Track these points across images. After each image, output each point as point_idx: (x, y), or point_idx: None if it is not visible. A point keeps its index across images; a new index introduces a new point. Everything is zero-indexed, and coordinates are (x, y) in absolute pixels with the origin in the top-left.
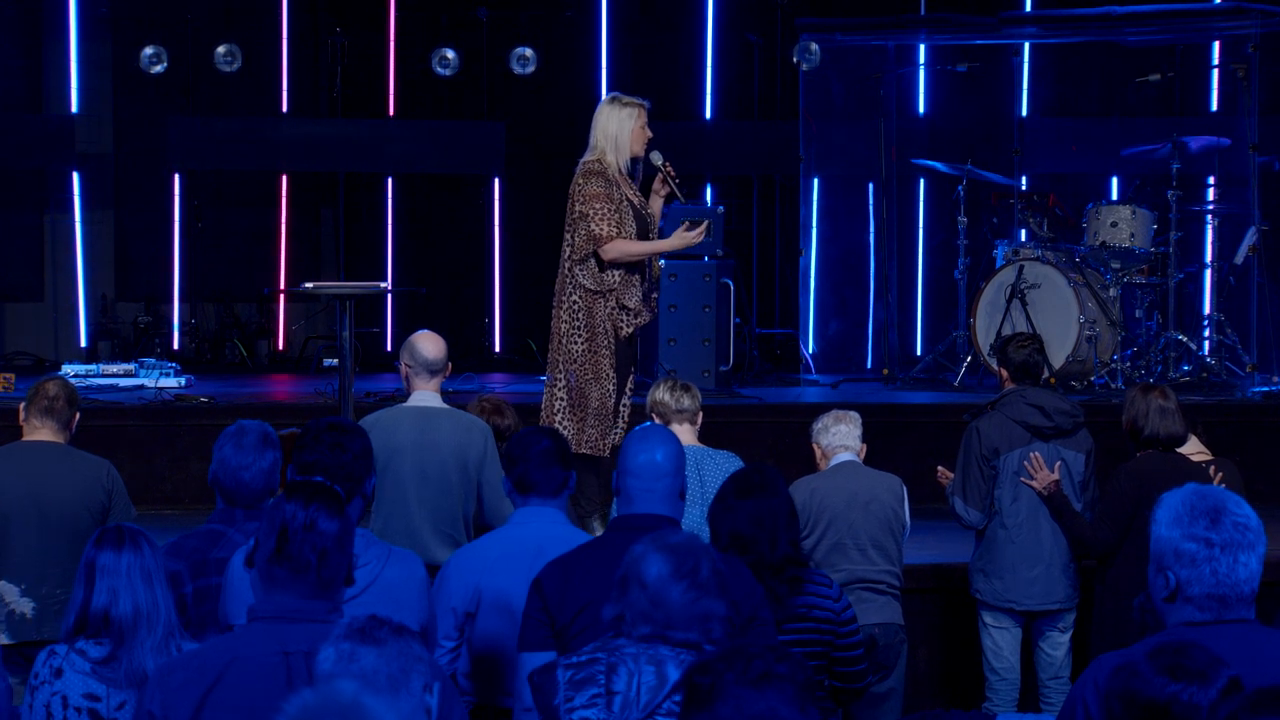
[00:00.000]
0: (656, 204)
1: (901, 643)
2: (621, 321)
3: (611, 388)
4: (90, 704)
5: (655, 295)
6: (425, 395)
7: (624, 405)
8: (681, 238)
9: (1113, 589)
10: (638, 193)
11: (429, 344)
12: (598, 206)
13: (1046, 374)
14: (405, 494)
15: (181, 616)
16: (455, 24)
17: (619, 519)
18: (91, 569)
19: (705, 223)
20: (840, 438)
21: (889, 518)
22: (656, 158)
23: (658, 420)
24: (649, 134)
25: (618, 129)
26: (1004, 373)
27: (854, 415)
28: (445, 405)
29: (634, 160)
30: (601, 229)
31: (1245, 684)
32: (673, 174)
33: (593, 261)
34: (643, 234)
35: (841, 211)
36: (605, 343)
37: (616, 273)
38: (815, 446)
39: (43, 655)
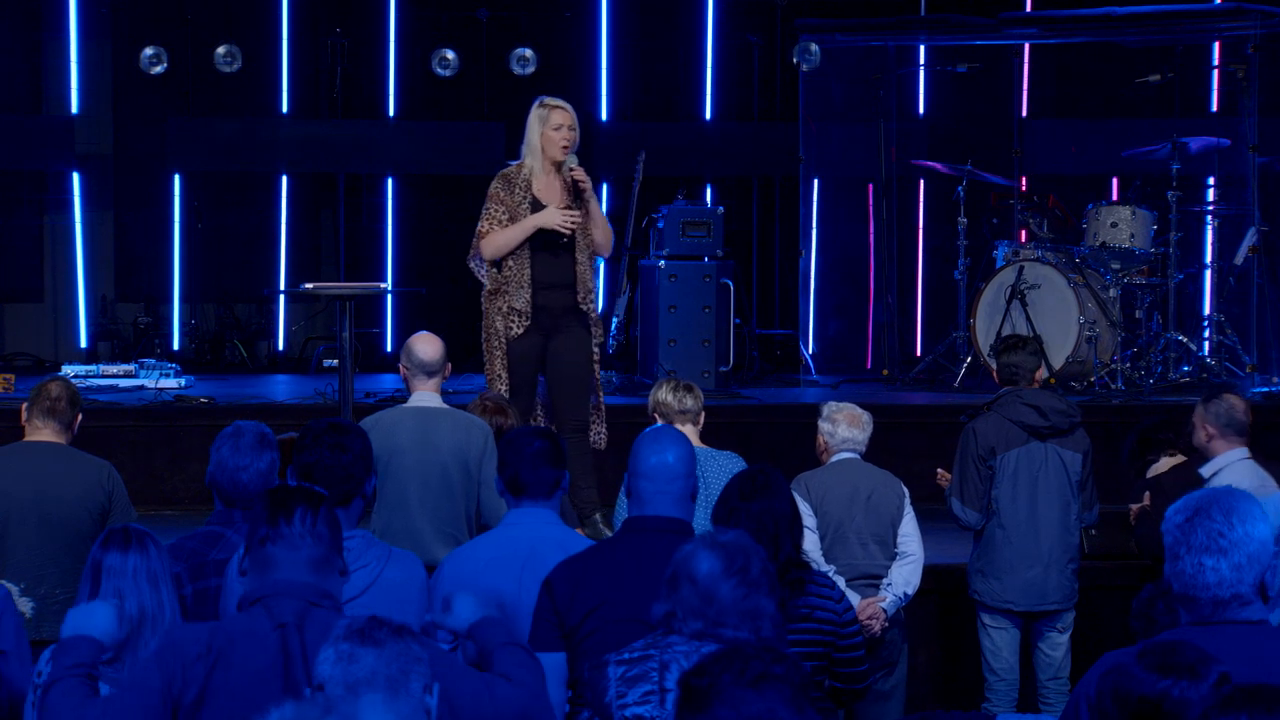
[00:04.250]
0: (594, 209)
1: (903, 639)
2: (512, 323)
3: (504, 389)
4: None
5: (587, 306)
6: (425, 396)
7: (535, 415)
8: (545, 215)
9: None
10: (566, 199)
11: (425, 345)
12: (488, 206)
13: (1046, 374)
14: (406, 494)
15: (181, 619)
16: (455, 25)
17: (631, 520)
18: (98, 570)
19: (572, 211)
20: (849, 444)
21: (890, 513)
22: (571, 161)
23: (660, 420)
24: (566, 136)
25: (529, 132)
26: (998, 374)
27: (867, 419)
28: (445, 405)
29: (558, 164)
30: (481, 226)
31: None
32: (580, 180)
33: (489, 263)
34: (544, 239)
35: (841, 212)
36: (497, 344)
37: (503, 272)
38: (821, 437)
39: (46, 654)
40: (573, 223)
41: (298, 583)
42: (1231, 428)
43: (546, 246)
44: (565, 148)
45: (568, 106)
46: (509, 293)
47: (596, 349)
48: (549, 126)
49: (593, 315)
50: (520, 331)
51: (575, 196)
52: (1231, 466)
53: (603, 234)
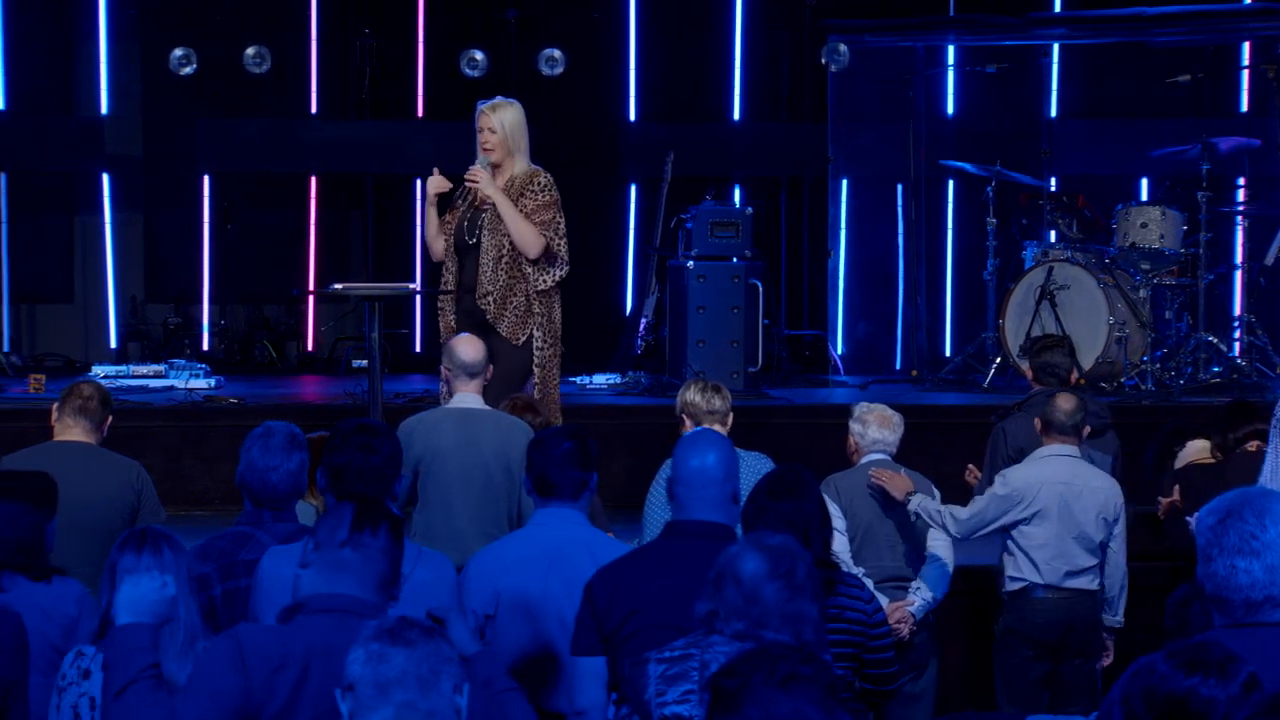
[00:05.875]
0: (503, 209)
1: (933, 642)
2: (450, 331)
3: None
4: None
5: (485, 305)
6: (466, 397)
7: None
8: (429, 195)
9: None
10: (501, 197)
11: (466, 347)
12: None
13: (1076, 375)
14: (449, 495)
15: (210, 619)
16: (483, 25)
17: (671, 524)
18: (113, 572)
19: (445, 183)
20: (880, 446)
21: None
22: (480, 162)
23: (689, 421)
24: (486, 138)
25: None
26: (1032, 374)
27: (898, 420)
28: (486, 407)
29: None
30: None
31: (1264, 685)
32: (467, 181)
33: None
34: (459, 238)
35: (870, 213)
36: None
37: (444, 280)
38: (851, 438)
39: (70, 657)
40: (442, 182)
41: (368, 602)
42: (1052, 426)
43: (467, 252)
44: (485, 149)
45: (489, 109)
46: (442, 301)
47: (537, 347)
48: (477, 130)
49: (503, 314)
50: (449, 334)
51: (518, 195)
52: (1044, 459)
53: (518, 234)
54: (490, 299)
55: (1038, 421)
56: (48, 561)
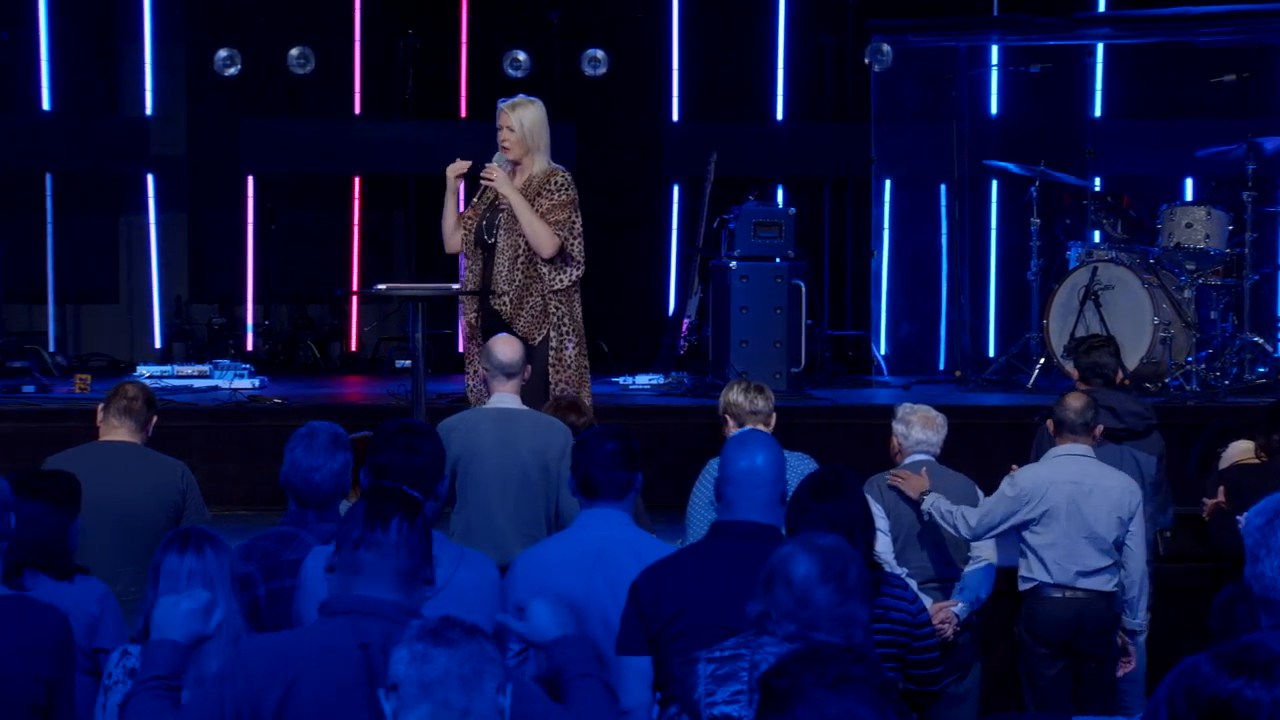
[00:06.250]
0: (517, 207)
1: (976, 642)
2: (476, 333)
3: (472, 384)
4: None
5: (499, 306)
6: (504, 397)
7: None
8: (449, 181)
9: None
10: (517, 196)
11: (503, 347)
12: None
13: (1121, 376)
14: (487, 495)
15: (255, 619)
16: (526, 26)
17: (718, 525)
18: (157, 572)
19: (465, 165)
20: (923, 446)
21: None
22: (496, 160)
23: (731, 422)
24: (504, 136)
25: None
26: (1077, 374)
27: (941, 421)
28: (524, 407)
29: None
30: None
31: None
32: (483, 178)
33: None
34: (478, 236)
35: (913, 213)
36: (473, 338)
37: (469, 279)
38: (894, 438)
39: (115, 655)
40: (462, 165)
41: (385, 601)
42: (1063, 425)
43: (486, 251)
44: (504, 147)
45: (508, 107)
46: (466, 302)
47: (552, 347)
48: (497, 128)
49: (519, 314)
50: (481, 340)
51: (535, 194)
52: (1055, 459)
53: (532, 233)
54: (506, 299)
55: (1050, 422)
56: (71, 561)
